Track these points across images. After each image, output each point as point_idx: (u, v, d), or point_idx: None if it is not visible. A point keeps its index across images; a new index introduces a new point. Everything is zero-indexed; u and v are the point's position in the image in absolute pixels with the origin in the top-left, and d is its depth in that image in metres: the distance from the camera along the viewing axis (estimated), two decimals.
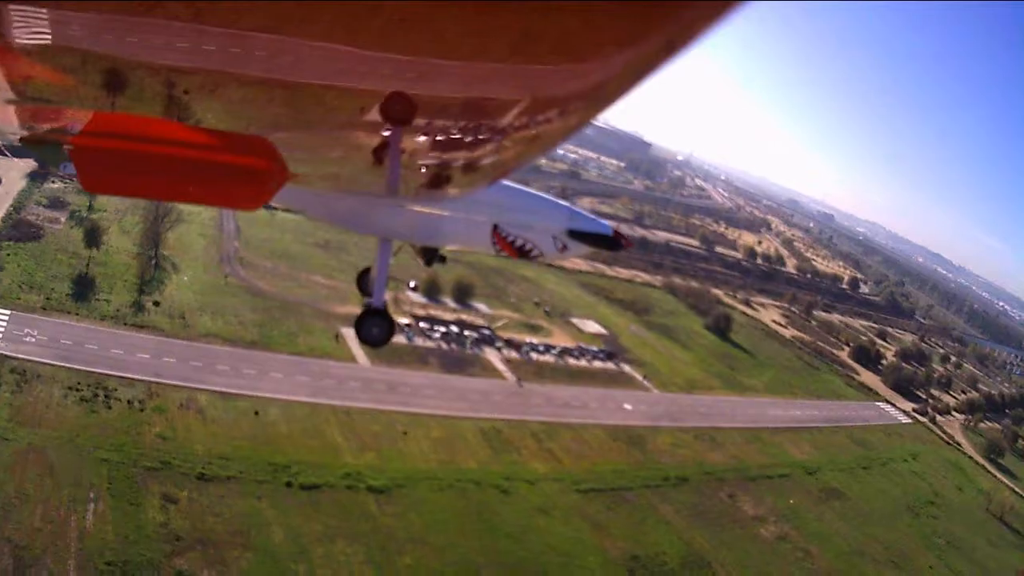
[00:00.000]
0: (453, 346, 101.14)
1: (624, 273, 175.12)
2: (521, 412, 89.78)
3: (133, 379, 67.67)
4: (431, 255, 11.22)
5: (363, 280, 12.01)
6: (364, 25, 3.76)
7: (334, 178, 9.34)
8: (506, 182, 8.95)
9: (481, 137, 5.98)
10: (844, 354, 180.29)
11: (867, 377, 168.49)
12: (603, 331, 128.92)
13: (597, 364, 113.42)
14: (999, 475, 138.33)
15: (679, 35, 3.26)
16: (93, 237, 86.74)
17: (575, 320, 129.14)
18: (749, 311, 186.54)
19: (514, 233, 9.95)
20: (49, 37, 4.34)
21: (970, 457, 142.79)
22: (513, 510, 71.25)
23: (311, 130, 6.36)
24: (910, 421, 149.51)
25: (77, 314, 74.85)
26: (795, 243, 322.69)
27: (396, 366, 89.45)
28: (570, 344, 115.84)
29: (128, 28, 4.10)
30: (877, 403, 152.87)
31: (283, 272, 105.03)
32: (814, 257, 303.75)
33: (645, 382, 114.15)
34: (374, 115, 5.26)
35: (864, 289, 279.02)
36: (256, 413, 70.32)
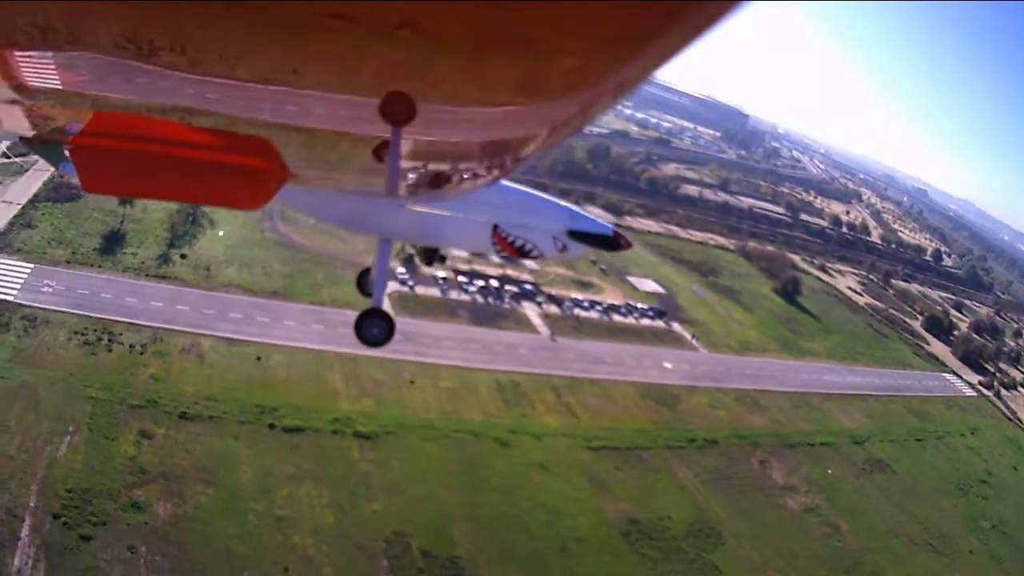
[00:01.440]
0: (490, 300, 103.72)
1: (697, 235, 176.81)
2: (546, 366, 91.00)
3: (140, 325, 73.56)
4: (431, 255, 11.38)
5: (363, 280, 12.01)
6: (364, 24, 3.96)
7: (334, 178, 9.83)
8: (506, 182, 9.17)
9: (481, 136, 6.29)
10: (917, 323, 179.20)
11: (937, 347, 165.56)
12: (660, 290, 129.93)
13: (645, 322, 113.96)
14: None
15: (680, 30, 3.36)
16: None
17: (632, 278, 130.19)
18: (825, 277, 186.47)
19: (514, 233, 10.13)
20: (57, 82, 4.86)
21: None
22: (508, 464, 72.67)
23: (311, 130, 6.64)
24: (975, 394, 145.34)
25: (100, 266, 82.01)
26: (883, 214, 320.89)
27: (422, 317, 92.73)
28: (618, 301, 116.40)
29: None
30: (943, 374, 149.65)
31: (322, 227, 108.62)
32: (901, 229, 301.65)
33: (693, 341, 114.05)
34: (374, 115, 5.47)
35: (948, 262, 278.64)
36: (258, 359, 74.77)
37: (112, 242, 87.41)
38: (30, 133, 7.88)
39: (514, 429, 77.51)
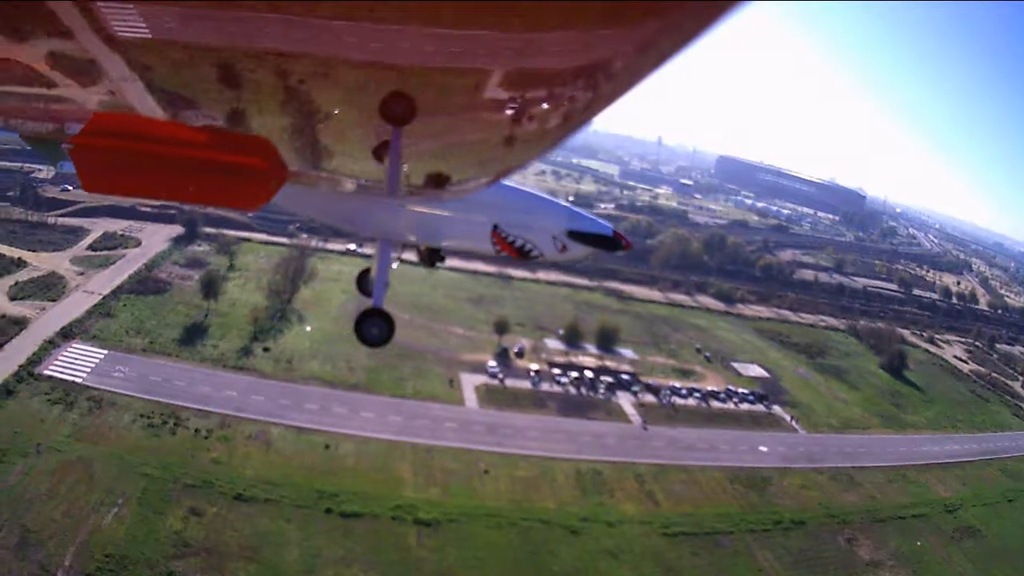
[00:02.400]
0: (583, 391, 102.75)
1: (808, 318, 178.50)
2: (632, 454, 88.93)
3: (210, 411, 76.26)
4: (432, 255, 11.61)
5: (363, 280, 12.24)
6: (363, 23, 4.07)
7: (334, 178, 9.84)
8: (506, 182, 9.31)
9: (482, 137, 6.48)
10: (1018, 384, 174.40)
11: None
12: (765, 374, 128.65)
13: (745, 407, 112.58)
14: None
15: (675, 28, 3.46)
16: (210, 288, 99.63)
17: (736, 364, 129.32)
18: (932, 348, 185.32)
19: (514, 233, 10.34)
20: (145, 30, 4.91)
21: None
22: (576, 552, 70.04)
23: (311, 130, 6.83)
24: None
25: (177, 356, 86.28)
26: (991, 282, 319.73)
27: (507, 409, 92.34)
28: (717, 387, 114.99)
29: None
30: None
31: (420, 323, 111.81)
32: (1007, 294, 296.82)
33: (793, 423, 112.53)
34: (374, 115, 5.63)
35: None
36: (327, 447, 75.50)
37: (193, 334, 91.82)
38: (32, 132, 8.04)
39: (587, 517, 75.02)
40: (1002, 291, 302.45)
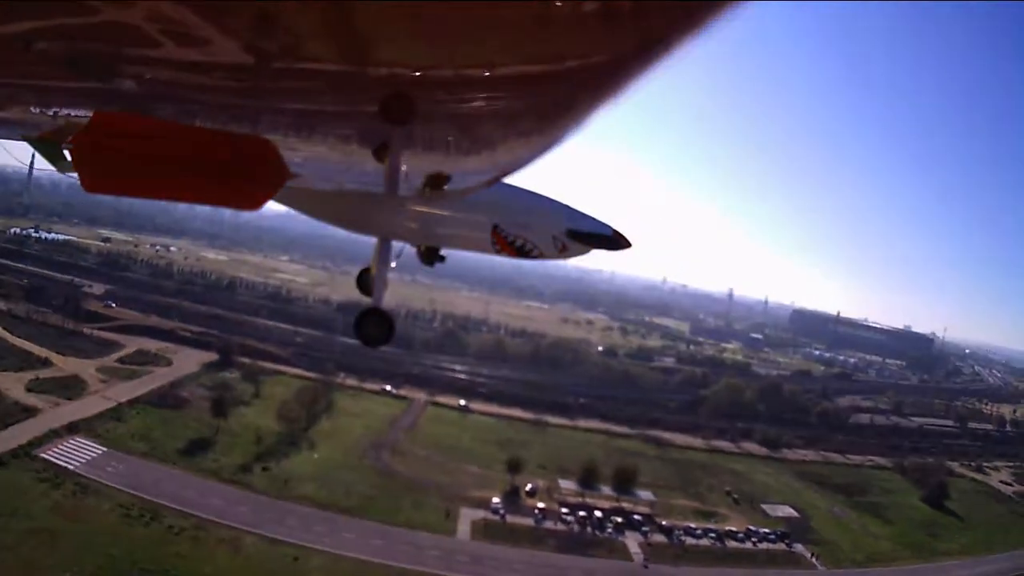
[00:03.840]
0: (589, 530, 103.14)
1: (855, 459, 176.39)
2: None
3: (189, 513, 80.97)
4: (432, 255, 11.72)
5: (363, 279, 12.16)
6: (363, 24, 4.16)
7: (334, 178, 10.41)
8: (506, 181, 9.44)
9: (482, 137, 6.62)
10: None
11: None
12: (794, 514, 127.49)
13: (764, 546, 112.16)
14: None
15: (666, 29, 3.48)
16: (220, 408, 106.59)
17: (765, 506, 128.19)
18: (979, 476, 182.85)
19: (514, 233, 10.46)
20: None
21: None
22: None
23: (312, 130, 7.08)
24: None
25: (175, 463, 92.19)
26: None
27: (502, 543, 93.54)
28: (737, 528, 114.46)
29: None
30: None
31: (435, 461, 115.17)
32: None
33: (813, 560, 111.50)
34: (374, 115, 5.71)
35: None
36: (295, 559, 78.51)
37: (197, 447, 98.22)
38: (32, 133, 8.23)
39: None
40: None
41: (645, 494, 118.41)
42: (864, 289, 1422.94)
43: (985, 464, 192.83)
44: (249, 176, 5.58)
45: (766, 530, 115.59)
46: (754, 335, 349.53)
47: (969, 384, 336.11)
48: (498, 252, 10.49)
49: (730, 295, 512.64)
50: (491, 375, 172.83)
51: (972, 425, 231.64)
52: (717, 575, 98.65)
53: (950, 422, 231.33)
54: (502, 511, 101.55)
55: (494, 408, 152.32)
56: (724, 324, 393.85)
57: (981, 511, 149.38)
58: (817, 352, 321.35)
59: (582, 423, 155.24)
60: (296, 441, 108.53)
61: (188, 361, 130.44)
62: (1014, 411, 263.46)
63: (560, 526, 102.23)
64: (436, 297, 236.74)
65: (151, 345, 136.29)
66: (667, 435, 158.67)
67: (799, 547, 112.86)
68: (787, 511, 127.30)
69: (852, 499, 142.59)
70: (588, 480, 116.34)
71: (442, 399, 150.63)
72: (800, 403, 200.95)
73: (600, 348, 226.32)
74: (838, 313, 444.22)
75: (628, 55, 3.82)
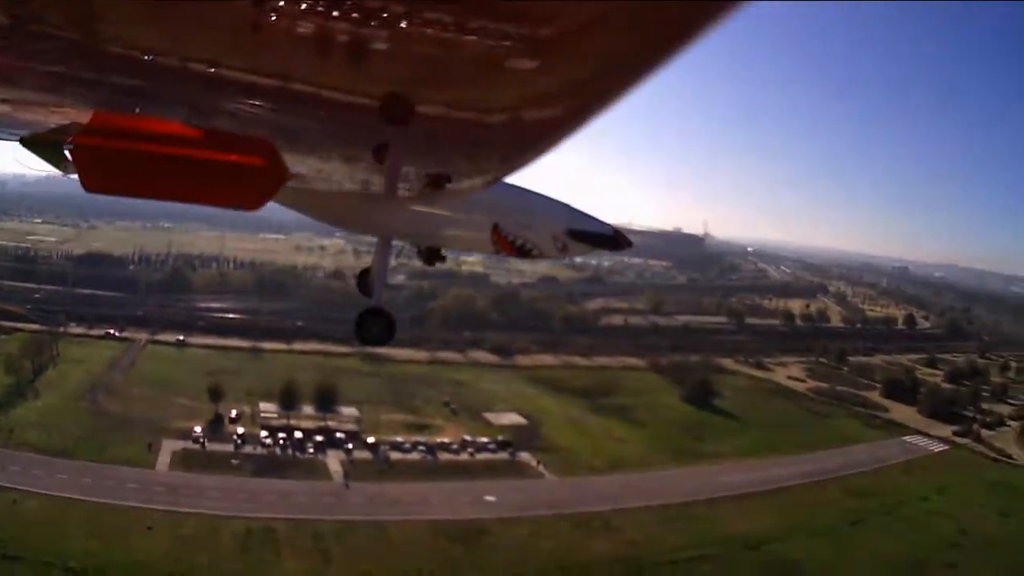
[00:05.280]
0: (289, 451, 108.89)
1: (602, 361, 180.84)
2: (318, 512, 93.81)
3: None
4: (432, 255, 11.91)
5: (363, 280, 12.42)
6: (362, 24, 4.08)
7: (334, 178, 10.33)
8: (506, 181, 9.31)
9: (482, 137, 6.53)
10: (876, 394, 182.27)
11: (900, 412, 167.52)
12: (522, 421, 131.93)
13: (484, 456, 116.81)
14: None
15: (675, 24, 3.38)
16: None
17: (489, 415, 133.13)
18: (759, 373, 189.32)
19: (514, 233, 10.54)
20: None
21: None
22: None
23: (312, 130, 7.05)
24: (947, 447, 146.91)
25: None
26: (852, 299, 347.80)
27: (199, 471, 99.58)
28: (450, 439, 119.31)
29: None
30: (904, 438, 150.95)
31: (147, 397, 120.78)
32: (871, 308, 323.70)
33: (540, 468, 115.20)
34: (374, 115, 5.64)
35: (926, 324, 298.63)
36: (14, 502, 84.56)
37: None
38: (31, 132, 8.21)
39: (237, 574, 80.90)
40: (864, 306, 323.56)
41: (349, 411, 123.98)
42: (632, 190, 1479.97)
43: (767, 360, 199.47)
44: (249, 176, 5.85)
45: (485, 439, 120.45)
46: None
47: (754, 281, 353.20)
48: (498, 252, 10.81)
49: None
50: (210, 308, 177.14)
51: (751, 321, 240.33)
52: (426, 489, 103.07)
53: (723, 319, 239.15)
54: (203, 440, 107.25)
55: (212, 340, 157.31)
56: None
57: (762, 410, 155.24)
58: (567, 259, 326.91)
59: (298, 346, 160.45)
60: (24, 392, 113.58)
61: None
62: (807, 305, 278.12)
63: (260, 450, 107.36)
64: (174, 239, 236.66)
65: None
66: (386, 351, 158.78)
67: (526, 456, 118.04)
68: (514, 419, 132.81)
69: (595, 403, 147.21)
70: (289, 402, 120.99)
71: (162, 337, 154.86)
72: (540, 309, 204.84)
73: (326, 272, 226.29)
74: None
75: (629, 52, 3.81)
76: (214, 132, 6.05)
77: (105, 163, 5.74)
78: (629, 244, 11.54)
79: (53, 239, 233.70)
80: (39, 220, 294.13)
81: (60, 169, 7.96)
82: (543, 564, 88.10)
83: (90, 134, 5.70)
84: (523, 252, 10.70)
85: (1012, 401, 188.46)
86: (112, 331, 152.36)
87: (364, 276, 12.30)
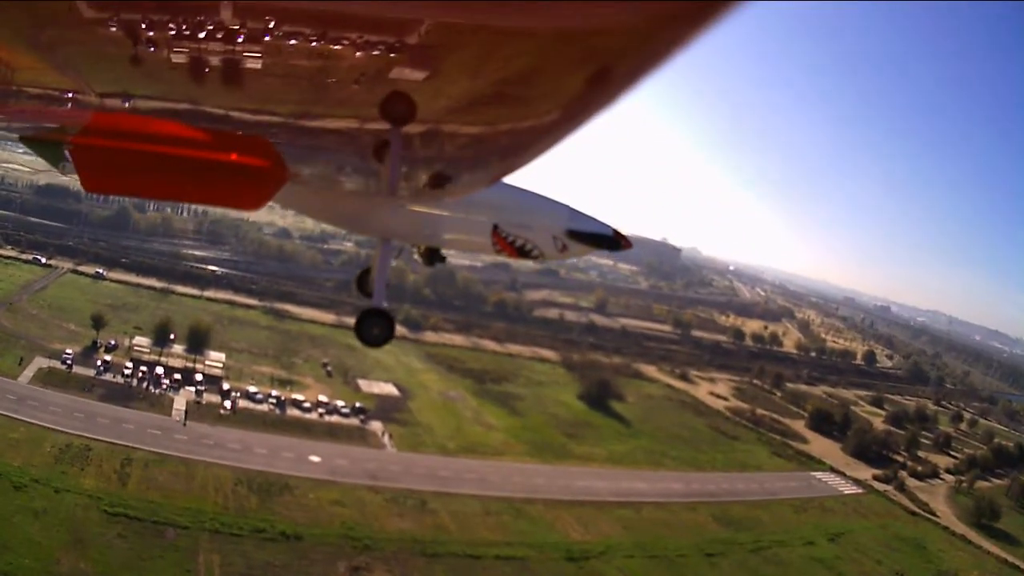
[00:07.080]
0: (145, 384, 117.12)
1: (514, 349, 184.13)
2: (139, 442, 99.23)
3: None
4: (432, 255, 12.04)
5: (363, 281, 12.52)
6: (362, 23, 4.39)
7: (334, 178, 10.87)
8: (506, 181, 9.47)
9: (482, 137, 6.84)
10: (801, 424, 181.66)
11: (819, 446, 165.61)
12: (395, 392, 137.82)
13: (332, 419, 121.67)
14: (989, 544, 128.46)
15: (675, 23, 3.55)
16: None
17: (363, 382, 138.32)
18: (679, 384, 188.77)
19: (514, 233, 10.64)
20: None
21: (946, 528, 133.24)
22: None
23: (312, 130, 7.45)
24: (861, 491, 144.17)
25: None
26: (815, 328, 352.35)
27: (53, 388, 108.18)
28: (305, 398, 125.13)
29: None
30: (814, 473, 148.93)
31: (42, 318, 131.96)
32: (835, 340, 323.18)
33: (385, 440, 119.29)
34: (374, 115, 5.99)
35: (888, 363, 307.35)
36: None
37: None
38: (32, 132, 8.56)
39: (40, 479, 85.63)
40: (826, 336, 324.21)
41: (218, 355, 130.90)
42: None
43: (696, 373, 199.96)
44: (249, 176, 6.07)
45: (340, 403, 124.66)
46: None
47: (721, 297, 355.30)
48: (498, 252, 10.88)
49: None
50: (140, 248, 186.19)
51: (698, 334, 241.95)
52: (256, 439, 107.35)
53: (668, 328, 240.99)
54: (70, 361, 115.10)
55: (129, 277, 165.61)
56: None
57: (661, 421, 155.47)
58: None
59: (210, 293, 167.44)
60: None
61: None
62: (765, 327, 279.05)
63: (119, 379, 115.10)
64: None
65: None
66: (295, 309, 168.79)
67: (376, 424, 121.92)
68: (386, 388, 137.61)
69: (482, 386, 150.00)
70: (162, 339, 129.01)
71: (83, 268, 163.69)
72: (474, 292, 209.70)
73: (270, 229, 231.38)
74: None
75: (628, 52, 3.98)
76: (214, 132, 6.38)
77: (105, 163, 6.06)
78: (629, 245, 11.68)
79: (27, 170, 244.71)
80: (22, 151, 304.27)
81: (60, 169, 8.30)
82: (329, 530, 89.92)
83: (90, 134, 6.04)
84: (523, 252, 10.89)
85: (954, 454, 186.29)
86: (39, 257, 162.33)
87: (364, 276, 12.52)
